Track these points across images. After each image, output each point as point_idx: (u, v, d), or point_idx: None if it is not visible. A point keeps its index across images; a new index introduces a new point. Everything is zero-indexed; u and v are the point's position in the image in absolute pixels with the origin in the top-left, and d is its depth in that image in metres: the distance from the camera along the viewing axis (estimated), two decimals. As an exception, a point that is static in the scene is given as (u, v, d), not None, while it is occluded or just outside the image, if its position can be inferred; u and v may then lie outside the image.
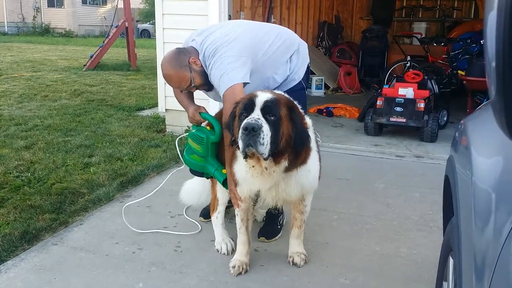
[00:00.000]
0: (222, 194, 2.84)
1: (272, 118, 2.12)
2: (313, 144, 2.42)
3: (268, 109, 2.13)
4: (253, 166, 2.24)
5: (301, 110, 2.38)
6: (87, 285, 2.47)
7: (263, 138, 2.05)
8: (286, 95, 2.40)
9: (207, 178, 2.93)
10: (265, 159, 2.14)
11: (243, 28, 2.84)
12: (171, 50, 2.80)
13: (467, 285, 1.17)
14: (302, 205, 2.62)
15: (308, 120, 2.43)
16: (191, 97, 3.00)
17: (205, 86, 2.85)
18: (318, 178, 2.53)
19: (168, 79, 2.78)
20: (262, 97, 2.17)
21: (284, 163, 2.22)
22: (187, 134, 2.95)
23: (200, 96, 3.12)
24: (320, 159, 2.55)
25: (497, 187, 1.19)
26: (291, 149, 2.19)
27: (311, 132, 2.40)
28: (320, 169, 2.55)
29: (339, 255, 2.80)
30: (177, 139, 3.06)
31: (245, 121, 2.08)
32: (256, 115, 2.11)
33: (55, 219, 3.19)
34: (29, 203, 3.43)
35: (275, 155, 2.16)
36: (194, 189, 3.14)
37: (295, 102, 2.36)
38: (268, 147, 2.08)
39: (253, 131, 2.04)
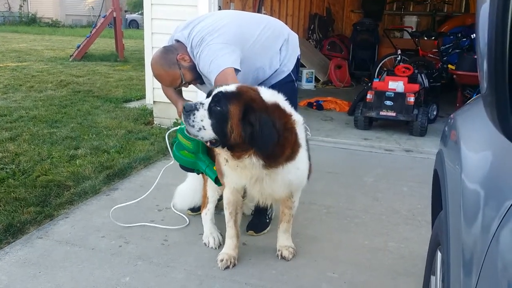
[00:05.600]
0: (212, 193, 2.83)
1: (218, 108, 2.12)
2: (302, 141, 2.35)
3: (216, 99, 2.14)
4: (225, 158, 2.26)
5: (284, 107, 2.26)
6: (72, 278, 2.43)
7: (193, 121, 2.13)
8: (262, 93, 2.23)
9: (198, 173, 2.89)
10: (211, 146, 2.20)
11: (230, 18, 2.80)
12: (158, 50, 2.77)
13: (455, 279, 1.16)
14: (290, 201, 2.59)
15: (297, 117, 2.34)
16: (179, 91, 2.96)
17: (197, 81, 2.81)
18: (307, 175, 2.47)
19: (159, 79, 2.78)
20: (219, 88, 2.18)
21: (251, 160, 2.15)
22: (176, 128, 2.90)
23: (189, 88, 3.07)
24: (310, 157, 2.48)
25: (486, 182, 1.19)
26: (254, 148, 2.12)
27: (301, 129, 2.33)
28: (310, 167, 2.49)
29: (328, 248, 2.79)
30: (167, 133, 3.01)
31: None
32: (203, 101, 2.17)
33: (40, 212, 3.13)
34: (13, 196, 3.36)
35: (230, 148, 2.16)
36: (186, 194, 3.10)
37: (278, 100, 2.25)
38: (204, 133, 2.13)
39: (184, 110, 2.15)
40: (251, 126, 2.08)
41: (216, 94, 2.15)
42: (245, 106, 2.11)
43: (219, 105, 2.12)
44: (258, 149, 2.12)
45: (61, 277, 2.44)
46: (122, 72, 9.99)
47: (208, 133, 2.13)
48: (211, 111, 2.13)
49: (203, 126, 2.13)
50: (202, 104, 2.15)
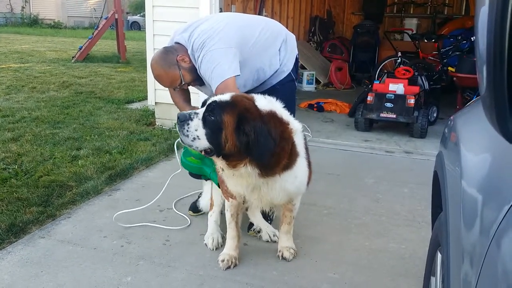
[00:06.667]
0: (216, 197, 2.85)
1: (212, 118, 2.11)
2: (300, 150, 2.32)
3: (210, 108, 2.13)
4: (221, 167, 2.27)
5: (281, 115, 2.22)
6: (74, 278, 2.44)
7: (187, 130, 2.13)
8: (257, 102, 2.19)
9: (206, 180, 2.91)
10: (206, 155, 2.20)
11: (229, 20, 2.82)
12: (158, 51, 2.79)
13: (455, 280, 1.17)
14: (291, 204, 2.60)
15: (296, 125, 2.31)
16: (187, 98, 2.97)
17: (196, 82, 2.83)
18: (306, 183, 2.46)
19: (159, 79, 2.79)
20: (214, 98, 2.18)
21: (246, 169, 2.14)
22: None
23: (194, 90, 3.08)
24: (310, 164, 2.45)
25: (485, 183, 1.19)
26: (250, 158, 2.11)
27: (300, 137, 2.32)
28: (310, 174, 2.47)
29: (328, 249, 2.80)
30: (175, 142, 3.01)
31: None
32: (197, 111, 2.17)
33: (43, 212, 3.15)
34: (16, 196, 3.38)
35: (225, 157, 2.14)
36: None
37: (275, 108, 2.21)
38: (199, 143, 2.13)
39: (178, 120, 2.15)
40: (246, 136, 2.06)
41: (210, 104, 2.15)
42: (239, 115, 2.08)
43: (213, 114, 2.11)
44: (254, 159, 2.11)
45: (63, 277, 2.45)
46: (124, 74, 10.01)
47: (202, 143, 2.13)
48: (205, 120, 2.12)
49: (197, 136, 2.13)
50: (196, 113, 2.15)
